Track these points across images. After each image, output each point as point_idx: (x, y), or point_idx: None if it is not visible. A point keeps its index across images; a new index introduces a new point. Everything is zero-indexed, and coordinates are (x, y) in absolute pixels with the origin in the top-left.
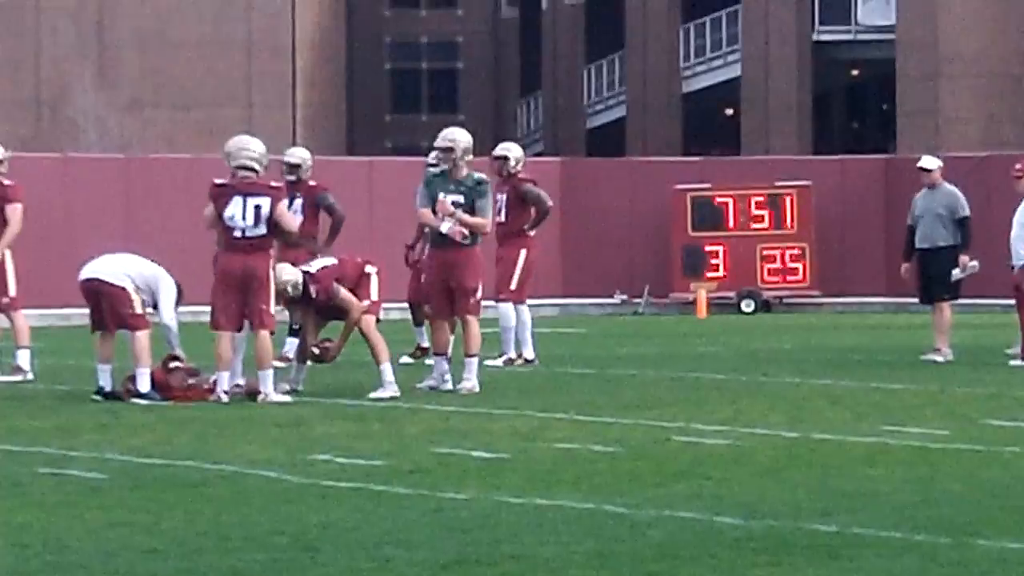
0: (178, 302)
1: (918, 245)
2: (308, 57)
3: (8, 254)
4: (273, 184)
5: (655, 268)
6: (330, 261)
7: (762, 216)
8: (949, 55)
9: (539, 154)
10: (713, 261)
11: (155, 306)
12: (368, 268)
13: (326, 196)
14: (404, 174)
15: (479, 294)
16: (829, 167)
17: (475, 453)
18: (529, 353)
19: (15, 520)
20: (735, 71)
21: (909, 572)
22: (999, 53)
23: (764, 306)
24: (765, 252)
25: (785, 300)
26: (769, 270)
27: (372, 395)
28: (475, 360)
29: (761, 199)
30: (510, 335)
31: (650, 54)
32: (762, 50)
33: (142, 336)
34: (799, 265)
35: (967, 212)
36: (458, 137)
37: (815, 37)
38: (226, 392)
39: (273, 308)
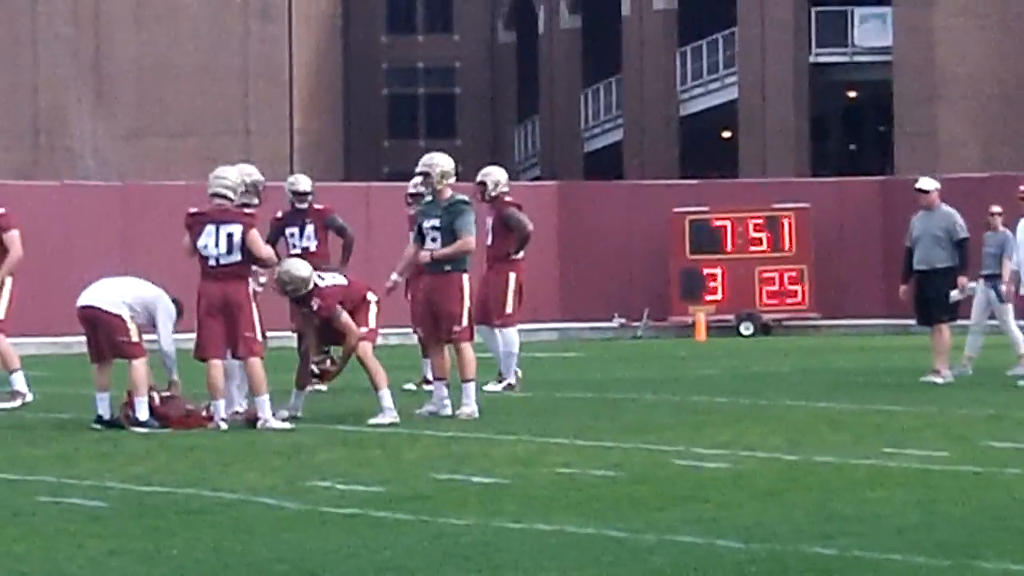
0: (179, 318)
1: (916, 267)
2: (305, 84)
3: (9, 281)
4: (246, 211)
5: (653, 291)
6: (340, 280)
7: (760, 239)
8: (946, 77)
9: (537, 178)
10: (711, 284)
11: (154, 325)
12: (369, 296)
13: (335, 218)
14: (402, 200)
15: (465, 319)
16: (827, 189)
17: (475, 479)
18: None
19: (15, 549)
20: (732, 94)
21: None
22: (996, 75)
23: (763, 329)
24: (764, 275)
25: (784, 322)
26: (768, 292)
27: (372, 421)
28: (471, 385)
29: (759, 222)
30: (512, 360)
31: (647, 78)
32: (759, 72)
33: (139, 364)
34: (798, 287)
35: (965, 233)
36: (435, 161)
37: (812, 59)
38: (224, 420)
39: (259, 335)
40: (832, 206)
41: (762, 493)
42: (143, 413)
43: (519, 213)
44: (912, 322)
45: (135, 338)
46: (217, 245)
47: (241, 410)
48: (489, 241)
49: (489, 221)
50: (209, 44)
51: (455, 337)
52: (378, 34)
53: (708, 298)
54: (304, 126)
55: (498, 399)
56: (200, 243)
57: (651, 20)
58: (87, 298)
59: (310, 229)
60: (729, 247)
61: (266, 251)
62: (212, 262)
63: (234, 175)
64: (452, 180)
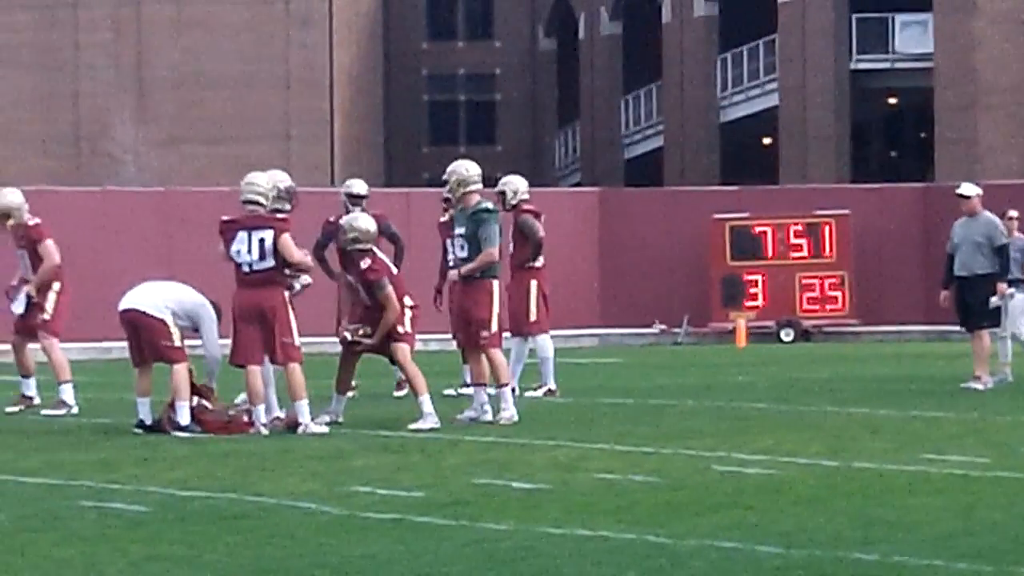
0: (218, 323)
1: (956, 273)
2: (346, 91)
3: (56, 287)
4: (277, 216)
5: (694, 298)
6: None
7: (801, 245)
8: (987, 83)
9: (577, 184)
10: (752, 290)
11: (196, 329)
12: (407, 300)
13: (389, 225)
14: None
15: (494, 326)
16: (867, 196)
17: (515, 484)
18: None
19: (57, 554)
20: (773, 100)
21: None
22: None
23: (803, 335)
24: (804, 281)
25: (824, 329)
26: (808, 299)
27: (411, 426)
28: (507, 390)
29: (799, 228)
30: (548, 366)
31: (687, 84)
32: (800, 79)
33: (180, 369)
34: (838, 294)
35: (1006, 240)
36: (452, 168)
37: (853, 66)
38: (264, 425)
39: (297, 340)
40: (872, 213)
41: (802, 499)
42: (184, 418)
43: (532, 220)
44: (952, 328)
45: (177, 343)
46: (250, 251)
47: (282, 415)
48: (510, 250)
49: (509, 230)
50: (250, 51)
51: (483, 343)
52: (419, 41)
53: (748, 304)
54: (344, 133)
55: (539, 404)
56: (233, 250)
57: (692, 26)
58: (130, 301)
59: None
60: (769, 253)
61: (298, 255)
62: (246, 268)
63: (265, 181)
64: (473, 187)
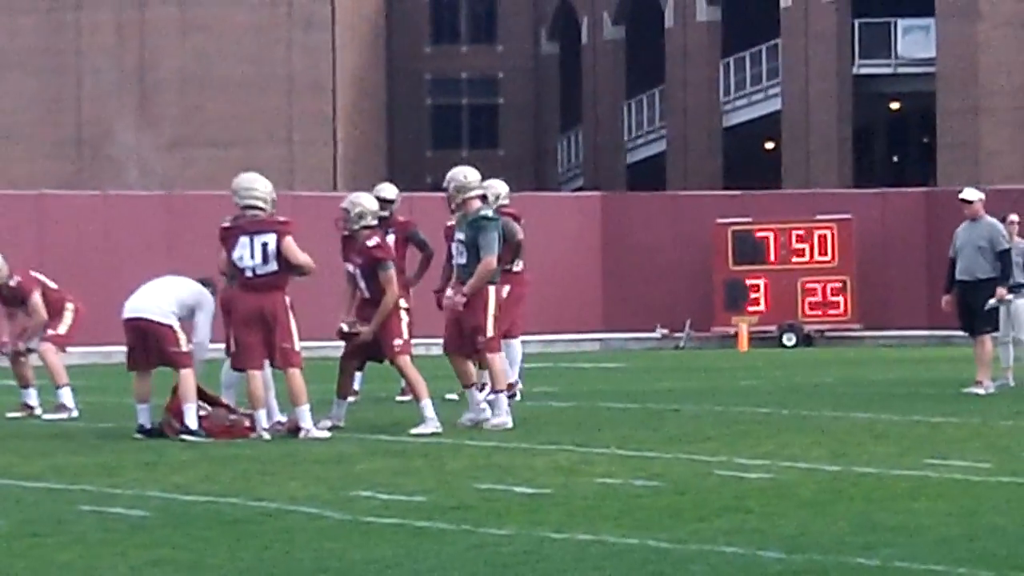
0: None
1: (958, 277)
2: (349, 94)
3: (70, 306)
4: (280, 219)
5: (696, 302)
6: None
7: (803, 249)
8: (989, 88)
9: (579, 189)
10: (754, 295)
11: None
12: (402, 302)
13: (417, 232)
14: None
15: (490, 331)
16: (870, 200)
17: (517, 488)
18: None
19: (58, 558)
20: (775, 105)
21: None
22: None
23: (805, 340)
24: (806, 285)
25: (826, 333)
26: (810, 304)
27: (413, 431)
28: (503, 396)
29: (802, 232)
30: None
31: (690, 89)
32: (802, 84)
33: (188, 374)
34: (840, 298)
35: (1008, 245)
36: (451, 175)
37: (855, 71)
38: (266, 429)
39: (297, 345)
40: (875, 217)
41: (804, 504)
42: (192, 421)
43: (512, 223)
44: (954, 333)
45: (184, 348)
46: (252, 256)
47: (284, 420)
48: None
49: None
50: (253, 54)
51: (481, 348)
52: (422, 45)
53: (750, 309)
54: (348, 136)
55: (541, 409)
56: (235, 255)
57: (694, 31)
58: (134, 309)
59: (391, 238)
60: (772, 258)
61: (303, 257)
62: (249, 273)
63: (263, 184)
64: (472, 193)
